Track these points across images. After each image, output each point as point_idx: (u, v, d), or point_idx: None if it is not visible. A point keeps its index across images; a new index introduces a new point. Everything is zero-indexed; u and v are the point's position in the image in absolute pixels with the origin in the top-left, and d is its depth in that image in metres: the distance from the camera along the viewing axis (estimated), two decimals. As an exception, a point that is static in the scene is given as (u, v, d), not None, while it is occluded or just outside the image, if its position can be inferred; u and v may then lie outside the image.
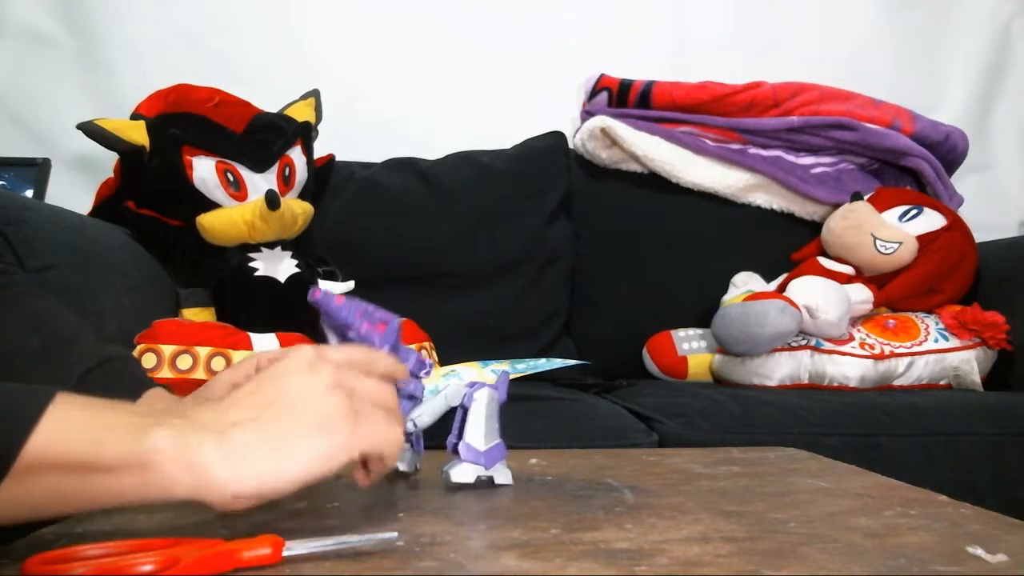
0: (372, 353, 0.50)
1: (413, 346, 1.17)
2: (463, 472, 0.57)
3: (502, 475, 0.59)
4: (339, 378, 0.44)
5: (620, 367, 1.50)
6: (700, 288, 1.53)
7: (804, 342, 1.29)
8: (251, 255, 1.18)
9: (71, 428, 0.37)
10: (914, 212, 1.47)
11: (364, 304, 0.56)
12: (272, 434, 0.40)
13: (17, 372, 0.59)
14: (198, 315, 1.13)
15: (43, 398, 0.37)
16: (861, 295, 1.36)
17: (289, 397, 0.42)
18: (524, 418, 0.96)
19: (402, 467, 0.62)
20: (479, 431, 0.57)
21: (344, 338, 0.56)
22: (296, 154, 1.25)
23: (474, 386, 0.58)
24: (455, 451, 0.58)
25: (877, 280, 1.41)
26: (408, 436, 0.60)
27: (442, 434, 0.60)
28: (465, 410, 0.58)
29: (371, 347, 0.54)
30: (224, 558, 0.37)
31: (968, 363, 1.28)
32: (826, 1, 1.82)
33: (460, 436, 0.58)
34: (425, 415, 0.58)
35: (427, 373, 0.58)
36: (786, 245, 1.59)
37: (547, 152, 1.61)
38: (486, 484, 0.58)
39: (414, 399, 0.57)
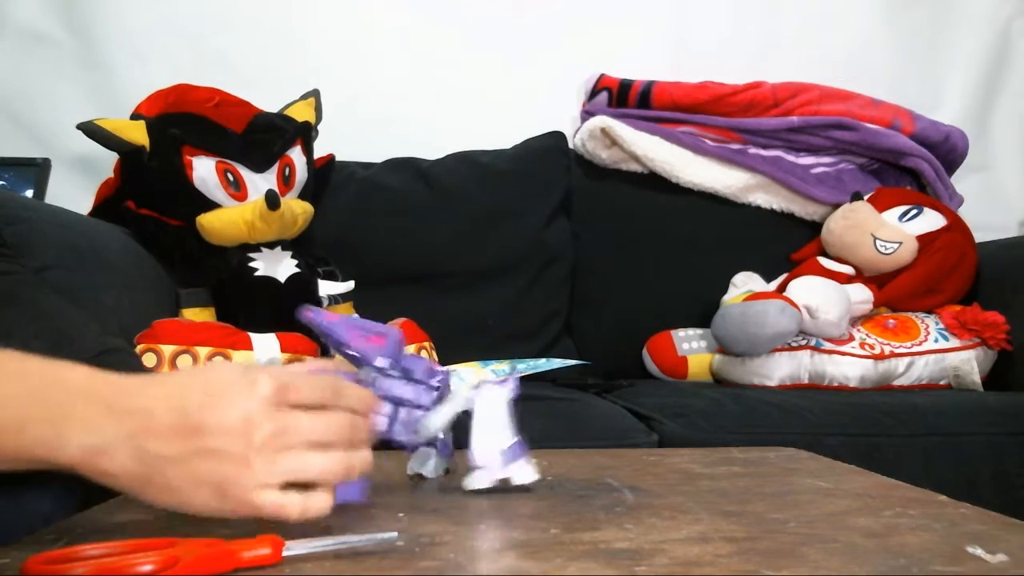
0: (339, 386, 0.46)
1: (413, 346, 1.17)
2: (476, 479, 0.55)
3: (521, 474, 0.55)
4: (270, 408, 0.42)
5: (620, 367, 1.49)
6: (700, 288, 1.53)
7: (804, 342, 1.29)
8: (251, 255, 1.18)
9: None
10: (914, 212, 1.47)
11: (357, 320, 0.55)
12: (170, 479, 0.41)
13: None
14: (198, 315, 1.13)
15: None
16: (861, 295, 1.36)
17: (207, 430, 0.41)
18: (524, 418, 0.95)
19: (425, 472, 0.61)
20: (487, 434, 0.55)
21: (342, 355, 0.55)
22: (296, 154, 1.25)
23: (479, 387, 0.55)
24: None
25: (877, 280, 1.41)
26: (432, 442, 0.58)
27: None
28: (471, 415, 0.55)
29: (367, 364, 0.53)
30: (224, 558, 0.37)
31: (968, 363, 1.28)
32: (826, 1, 1.82)
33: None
34: (432, 424, 0.55)
35: (440, 381, 0.55)
36: (786, 245, 1.59)
37: (547, 152, 1.61)
38: (504, 487, 0.56)
39: (422, 408, 0.55)
